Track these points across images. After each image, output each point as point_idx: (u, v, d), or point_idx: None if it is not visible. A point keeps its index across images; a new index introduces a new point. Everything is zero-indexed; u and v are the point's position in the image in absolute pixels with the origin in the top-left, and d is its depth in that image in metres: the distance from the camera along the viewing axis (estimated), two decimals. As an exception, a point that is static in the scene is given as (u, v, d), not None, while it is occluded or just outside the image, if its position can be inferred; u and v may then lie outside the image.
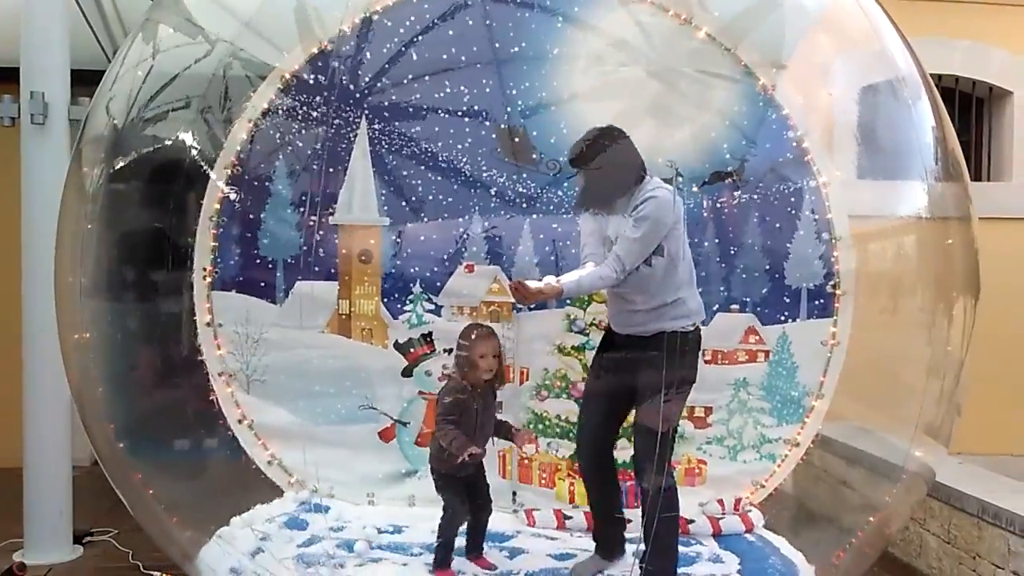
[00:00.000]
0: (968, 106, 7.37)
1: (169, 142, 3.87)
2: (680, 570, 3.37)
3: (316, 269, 4.13)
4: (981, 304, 6.42)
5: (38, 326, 4.23)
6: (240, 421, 4.13)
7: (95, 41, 5.24)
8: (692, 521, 3.93)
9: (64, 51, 4.45)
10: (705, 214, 4.10)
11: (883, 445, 3.72)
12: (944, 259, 3.58)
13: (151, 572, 4.11)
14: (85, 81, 4.07)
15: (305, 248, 4.12)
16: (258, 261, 4.12)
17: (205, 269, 4.09)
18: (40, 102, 4.34)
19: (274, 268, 4.13)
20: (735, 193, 4.08)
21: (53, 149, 4.32)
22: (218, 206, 4.09)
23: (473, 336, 3.30)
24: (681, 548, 3.64)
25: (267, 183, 4.11)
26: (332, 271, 4.16)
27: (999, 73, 7.18)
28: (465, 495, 3.40)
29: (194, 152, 3.93)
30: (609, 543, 3.50)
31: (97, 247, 3.56)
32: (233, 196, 4.06)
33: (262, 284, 4.12)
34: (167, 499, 3.62)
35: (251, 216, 4.11)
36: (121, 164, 3.58)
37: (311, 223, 4.11)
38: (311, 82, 4.08)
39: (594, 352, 3.54)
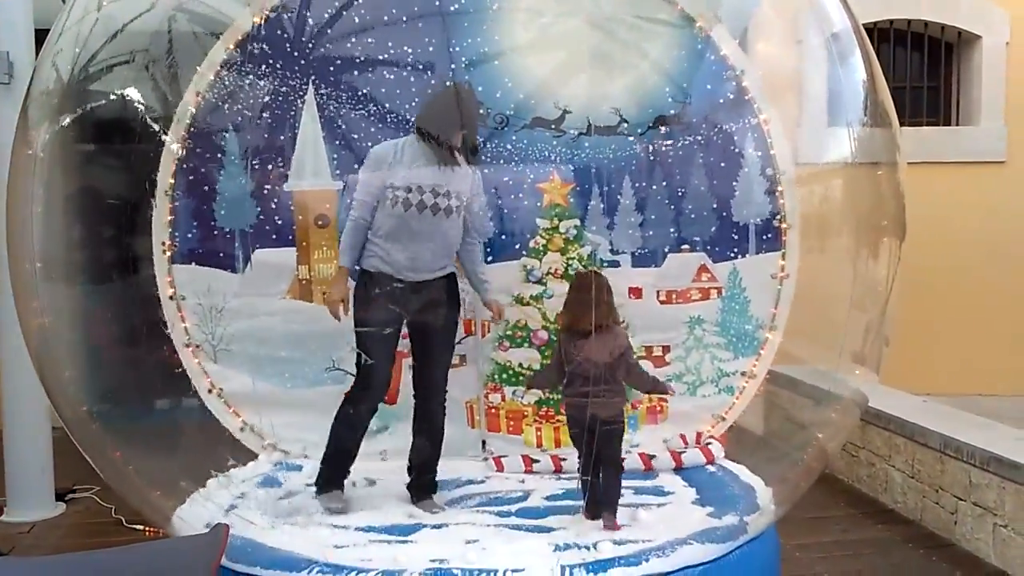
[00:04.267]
0: (937, 51, 7.50)
1: (114, 98, 3.87)
2: (635, 503, 3.54)
3: (274, 236, 4.18)
4: (951, 248, 6.63)
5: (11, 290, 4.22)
6: (210, 391, 4.19)
7: (59, -1, 5.20)
8: (654, 456, 4.07)
9: (28, 9, 4.46)
10: (651, 158, 4.19)
11: (819, 375, 3.92)
12: (873, 202, 3.71)
13: (133, 526, 4.20)
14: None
15: (262, 216, 4.17)
16: (216, 232, 4.16)
17: (164, 243, 4.12)
18: (5, 61, 4.34)
19: (232, 238, 4.18)
20: (680, 136, 4.17)
21: (19, 109, 4.28)
22: (172, 180, 4.11)
23: None
24: (641, 482, 3.85)
25: (220, 153, 4.14)
26: (290, 237, 4.21)
27: (967, 18, 7.30)
28: None
29: (141, 112, 3.94)
30: None
31: (48, 223, 3.55)
32: (186, 167, 4.08)
33: (221, 254, 4.17)
34: (144, 472, 3.68)
35: (206, 187, 4.14)
36: (68, 124, 3.56)
37: (265, 192, 4.16)
38: (258, 48, 4.10)
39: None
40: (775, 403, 4.45)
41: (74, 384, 3.78)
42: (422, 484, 3.69)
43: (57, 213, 3.62)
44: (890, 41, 7.30)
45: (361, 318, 3.56)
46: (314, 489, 3.64)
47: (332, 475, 3.63)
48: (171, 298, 4.15)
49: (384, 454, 4.19)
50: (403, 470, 3.88)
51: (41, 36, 4.40)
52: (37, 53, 4.35)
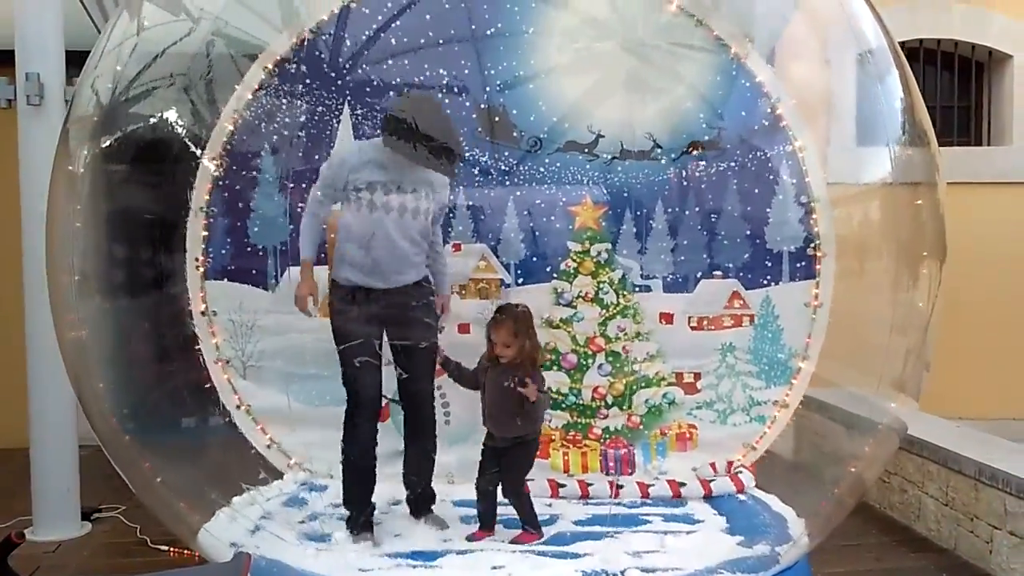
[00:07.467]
0: (968, 70, 7.44)
1: (153, 120, 3.92)
2: (663, 530, 3.52)
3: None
4: (984, 269, 6.52)
5: (40, 308, 4.26)
6: (238, 407, 4.21)
7: (89, 21, 5.30)
8: (683, 484, 4.02)
9: (58, 31, 4.51)
10: (684, 183, 4.18)
11: (856, 401, 3.84)
12: (912, 223, 3.66)
13: (159, 547, 4.20)
14: (80, 62, 4.15)
15: (295, 235, 4.20)
16: (249, 249, 4.19)
17: (197, 259, 4.16)
18: (36, 83, 4.39)
19: (265, 255, 4.21)
20: (713, 161, 4.15)
21: (50, 130, 4.30)
22: (207, 196, 4.16)
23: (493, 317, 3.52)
24: (671, 510, 3.83)
25: (255, 172, 4.18)
26: (322, 256, 4.23)
27: (998, 37, 7.23)
28: None
29: (180, 133, 3.99)
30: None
31: (86, 239, 3.61)
32: (222, 185, 4.13)
33: (254, 271, 4.20)
34: (172, 484, 3.70)
35: (240, 205, 4.18)
36: (107, 145, 3.60)
37: (299, 210, 4.18)
38: (295, 70, 4.15)
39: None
40: (809, 431, 4.37)
41: (107, 396, 3.82)
42: (422, 497, 3.68)
43: (96, 229, 3.67)
44: (920, 60, 7.24)
45: (338, 329, 3.56)
46: (341, 513, 3.63)
47: (359, 510, 3.55)
48: (203, 313, 4.19)
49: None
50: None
51: (71, 58, 4.49)
52: (67, 75, 4.43)
